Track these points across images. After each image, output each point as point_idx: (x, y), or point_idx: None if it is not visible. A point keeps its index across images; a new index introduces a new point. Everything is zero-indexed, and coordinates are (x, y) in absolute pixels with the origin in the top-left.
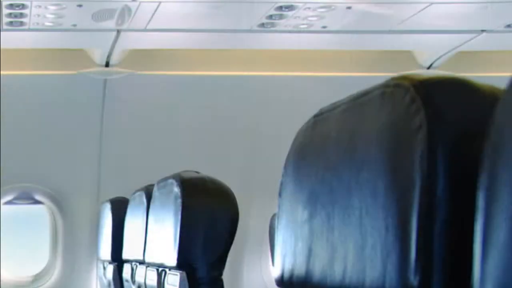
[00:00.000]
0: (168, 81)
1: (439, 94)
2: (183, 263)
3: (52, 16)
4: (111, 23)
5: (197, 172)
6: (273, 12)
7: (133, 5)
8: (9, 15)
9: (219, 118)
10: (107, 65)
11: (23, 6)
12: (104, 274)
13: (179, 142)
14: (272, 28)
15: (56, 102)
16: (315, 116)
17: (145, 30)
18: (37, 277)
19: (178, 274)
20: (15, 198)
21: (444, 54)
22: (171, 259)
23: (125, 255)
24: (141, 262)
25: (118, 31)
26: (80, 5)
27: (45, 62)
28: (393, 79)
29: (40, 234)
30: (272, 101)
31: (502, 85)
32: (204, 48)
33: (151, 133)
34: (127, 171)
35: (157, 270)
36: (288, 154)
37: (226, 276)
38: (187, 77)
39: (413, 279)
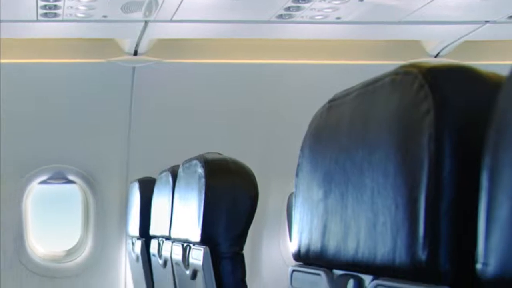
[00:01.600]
0: (192, 69)
1: (446, 80)
2: (206, 239)
3: (84, 8)
4: (139, 15)
5: (220, 154)
6: (290, 4)
7: None
8: (44, 7)
9: (240, 104)
10: (135, 53)
11: None
12: (133, 249)
13: (202, 126)
14: (289, 19)
15: (88, 88)
16: (330, 101)
17: (171, 21)
18: (70, 252)
19: (202, 249)
20: (49, 178)
21: (450, 44)
22: (195, 235)
23: (152, 231)
24: (167, 238)
25: (146, 22)
26: None
27: (78, 51)
28: (402, 67)
29: (73, 211)
30: (289, 87)
31: (505, 72)
32: (226, 37)
33: (176, 117)
34: (154, 153)
35: (182, 245)
36: (305, 137)
37: (246, 251)
38: (210, 65)
39: (422, 254)
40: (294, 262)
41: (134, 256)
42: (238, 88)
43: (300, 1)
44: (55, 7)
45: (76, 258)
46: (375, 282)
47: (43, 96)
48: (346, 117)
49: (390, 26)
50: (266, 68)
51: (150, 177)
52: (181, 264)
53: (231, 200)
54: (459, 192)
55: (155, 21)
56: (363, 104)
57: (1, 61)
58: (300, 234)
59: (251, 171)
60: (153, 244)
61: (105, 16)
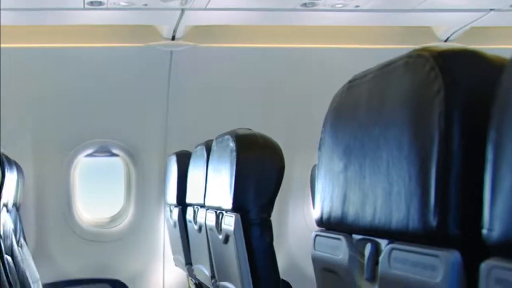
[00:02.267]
0: (224, 52)
1: (455, 63)
2: (237, 207)
3: None
4: (176, 3)
5: (250, 129)
6: None
7: None
8: None
9: (268, 84)
10: (173, 38)
11: None
12: (171, 216)
13: (233, 104)
14: (312, 7)
15: (130, 70)
16: (349, 82)
17: (205, 9)
18: (113, 219)
19: (233, 216)
20: (95, 152)
21: (459, 29)
22: (227, 203)
23: (188, 199)
24: (202, 206)
25: (182, 10)
26: None
27: (121, 36)
28: (415, 50)
29: (116, 182)
30: (312, 69)
31: (508, 55)
32: (255, 24)
33: (210, 96)
34: (190, 128)
35: (215, 212)
36: (327, 114)
37: (273, 217)
38: (240, 49)
39: (432, 220)
40: (317, 228)
41: (172, 222)
42: (266, 70)
43: None
44: None
45: (119, 224)
46: (390, 245)
47: (89, 78)
48: (364, 96)
49: (404, 13)
50: (291, 52)
51: (186, 151)
52: (215, 229)
53: (259, 172)
54: (466, 164)
55: (190, 9)
56: (379, 85)
57: (54, 45)
58: (323, 202)
59: (278, 145)
60: (189, 211)
61: (145, 5)
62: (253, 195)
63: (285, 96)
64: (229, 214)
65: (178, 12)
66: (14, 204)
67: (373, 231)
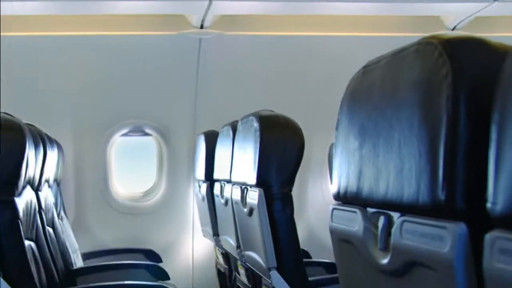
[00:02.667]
0: (249, 40)
1: (461, 50)
2: (261, 182)
3: None
4: None
5: (272, 111)
6: None
7: None
8: None
9: (290, 69)
10: (201, 27)
11: None
12: (199, 190)
13: (257, 87)
14: None
15: (161, 56)
16: (364, 67)
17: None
18: (146, 193)
19: (257, 190)
20: (129, 131)
21: (466, 19)
22: (252, 179)
23: (216, 175)
24: (228, 181)
25: (210, 0)
26: None
27: (153, 25)
28: (424, 38)
29: (149, 160)
30: (330, 56)
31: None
32: (278, 14)
33: (235, 80)
34: (217, 110)
35: (241, 187)
36: (343, 97)
37: (294, 192)
38: (264, 37)
39: (441, 195)
40: (334, 202)
41: (200, 196)
42: (288, 57)
43: None
44: None
45: (151, 198)
46: (402, 218)
47: (125, 63)
48: (377, 80)
49: (414, 4)
50: (310, 40)
51: (214, 131)
52: (240, 203)
53: (281, 150)
54: (472, 143)
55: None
56: (392, 70)
57: (93, 34)
58: (339, 178)
59: (298, 125)
60: (216, 186)
61: None
62: (275, 172)
63: (305, 81)
64: (253, 189)
65: (206, 2)
66: (55, 180)
67: (386, 205)
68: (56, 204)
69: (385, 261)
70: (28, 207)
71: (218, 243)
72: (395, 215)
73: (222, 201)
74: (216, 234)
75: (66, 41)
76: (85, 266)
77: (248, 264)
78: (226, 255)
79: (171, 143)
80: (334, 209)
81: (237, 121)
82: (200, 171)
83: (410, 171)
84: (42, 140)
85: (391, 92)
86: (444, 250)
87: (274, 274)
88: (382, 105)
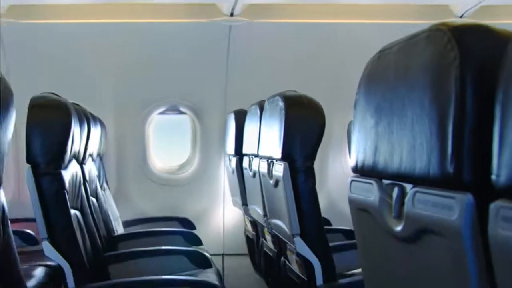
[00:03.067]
0: (275, 27)
1: (468, 35)
2: (285, 156)
3: None
4: None
5: (296, 92)
6: None
7: None
8: None
9: (313, 53)
10: (231, 15)
11: None
12: (229, 164)
13: (283, 70)
14: None
15: (194, 42)
16: (380, 51)
17: None
18: (181, 167)
19: (282, 164)
20: (166, 110)
21: (473, 7)
22: (277, 153)
23: (244, 150)
24: (256, 156)
25: None
26: None
27: (187, 13)
28: (434, 25)
29: (184, 136)
30: (349, 41)
31: None
32: (304, 3)
33: (262, 64)
34: (246, 91)
35: (267, 161)
36: (360, 79)
37: (316, 165)
38: (288, 24)
39: (450, 168)
40: (352, 174)
41: (230, 169)
42: (311, 42)
43: None
44: None
45: (186, 171)
46: (414, 189)
47: (162, 48)
48: (392, 63)
49: None
50: (331, 27)
51: (243, 109)
52: (266, 175)
53: (304, 127)
54: (478, 120)
55: None
56: (405, 54)
57: (133, 21)
58: (357, 152)
59: (320, 105)
60: (245, 160)
61: None
62: (299, 147)
63: (327, 65)
64: (279, 162)
65: None
66: (98, 154)
67: (400, 177)
68: (99, 176)
69: (398, 228)
70: (74, 179)
71: (246, 212)
72: (408, 186)
73: (250, 173)
74: (244, 203)
75: (110, 28)
76: (126, 232)
77: (274, 231)
78: (254, 223)
79: (204, 121)
80: (352, 181)
81: (264, 101)
82: (230, 146)
83: (422, 146)
84: (87, 118)
85: (404, 74)
86: (452, 218)
87: (298, 240)
88: (396, 86)
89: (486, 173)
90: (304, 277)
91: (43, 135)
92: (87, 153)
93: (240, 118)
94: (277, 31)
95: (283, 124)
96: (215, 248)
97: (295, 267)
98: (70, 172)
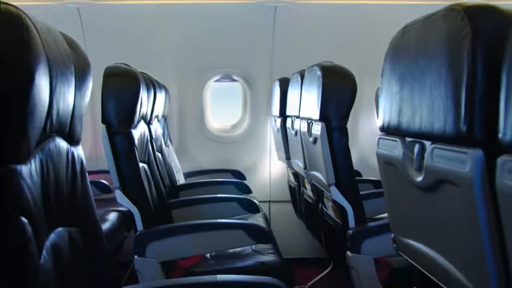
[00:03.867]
0: (316, 7)
1: (479, 14)
2: (323, 117)
3: None
4: None
5: (331, 62)
6: None
7: None
8: None
9: (346, 31)
10: None
11: None
12: (275, 124)
13: (321, 44)
14: None
15: (245, 20)
16: (403, 28)
17: None
18: (234, 126)
19: (320, 124)
20: (220, 78)
21: None
22: (316, 115)
23: (288, 112)
24: (297, 117)
25: None
26: None
27: None
28: (450, 5)
29: (235, 100)
30: (377, 19)
31: None
32: None
33: (304, 39)
34: (288, 61)
35: (307, 121)
36: (387, 51)
37: (349, 125)
38: (328, 4)
39: (463, 127)
40: (380, 133)
41: (275, 128)
42: (348, 21)
43: None
44: None
45: (237, 130)
46: (433, 145)
47: (216, 25)
48: (413, 38)
49: None
50: (363, 7)
51: (286, 77)
52: (306, 134)
53: (338, 92)
54: (487, 87)
55: None
56: (424, 30)
57: (190, 2)
58: (384, 114)
59: (352, 73)
60: (288, 121)
61: None
62: (334, 109)
63: (359, 40)
64: (317, 123)
65: None
66: (163, 116)
67: (420, 135)
68: (163, 135)
69: (419, 179)
70: (142, 137)
71: (289, 165)
72: (427, 143)
73: (293, 132)
74: (288, 158)
75: (172, 8)
76: (186, 182)
77: (313, 181)
78: (295, 174)
79: (253, 87)
80: (380, 138)
81: (304, 70)
82: (275, 109)
83: (439, 109)
84: (153, 85)
85: (423, 47)
86: (465, 171)
87: (333, 189)
88: (417, 57)
89: (494, 132)
90: (338, 221)
91: (116, 99)
92: (153, 115)
93: (284, 84)
94: (317, 11)
95: (320, 89)
96: (262, 196)
97: (331, 212)
98: (139, 131)
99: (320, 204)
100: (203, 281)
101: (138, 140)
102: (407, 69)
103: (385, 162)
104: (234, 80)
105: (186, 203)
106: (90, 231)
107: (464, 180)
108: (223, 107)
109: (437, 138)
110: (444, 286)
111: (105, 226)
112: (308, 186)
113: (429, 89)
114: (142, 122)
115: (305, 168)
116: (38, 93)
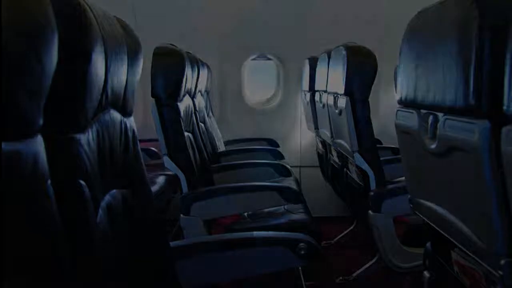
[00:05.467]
0: None
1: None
2: (347, 92)
3: None
4: None
5: (355, 43)
6: None
7: None
8: None
9: (368, 15)
10: None
11: None
12: (305, 98)
13: (346, 27)
14: None
15: (279, 4)
16: (419, 12)
17: None
18: (268, 99)
19: (345, 98)
20: (257, 57)
21: None
22: (341, 89)
23: (316, 87)
24: (325, 91)
25: None
26: None
27: None
28: None
29: (270, 77)
30: (396, 4)
31: None
32: None
33: (331, 23)
34: (318, 42)
35: (333, 95)
36: (404, 33)
37: (371, 98)
38: None
39: (471, 100)
40: (398, 106)
41: (305, 102)
42: (369, 6)
43: None
44: None
45: (272, 103)
46: (445, 117)
47: (253, 11)
48: (428, 21)
49: None
50: None
51: (315, 56)
52: (333, 106)
53: (361, 70)
54: (493, 65)
55: None
56: (438, 14)
57: None
58: (402, 89)
59: (373, 53)
60: (317, 95)
61: None
62: (357, 85)
63: (379, 24)
64: (342, 96)
65: None
66: (206, 90)
67: (434, 108)
68: (206, 107)
69: (433, 146)
70: (187, 109)
71: (317, 134)
72: (440, 115)
73: (321, 105)
74: (316, 127)
75: None
76: (226, 149)
77: (338, 148)
78: (323, 142)
79: (286, 65)
80: (398, 110)
81: (331, 50)
82: (305, 84)
83: (450, 85)
84: (197, 63)
85: (437, 29)
86: (474, 139)
87: (357, 155)
88: (431, 38)
89: (500, 105)
90: (361, 183)
91: (164, 76)
92: (197, 90)
93: (313, 63)
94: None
95: (345, 67)
96: (294, 161)
97: (354, 176)
98: (184, 104)
99: (345, 169)
100: (241, 237)
101: (183, 112)
102: (422, 49)
103: (403, 131)
104: (269, 59)
105: (225, 168)
106: (140, 193)
107: (472, 148)
108: (259, 83)
109: (448, 110)
110: (454, 241)
111: (154, 188)
112: (334, 153)
113: (442, 67)
114: (187, 96)
115: (332, 136)
116: (95, 71)
